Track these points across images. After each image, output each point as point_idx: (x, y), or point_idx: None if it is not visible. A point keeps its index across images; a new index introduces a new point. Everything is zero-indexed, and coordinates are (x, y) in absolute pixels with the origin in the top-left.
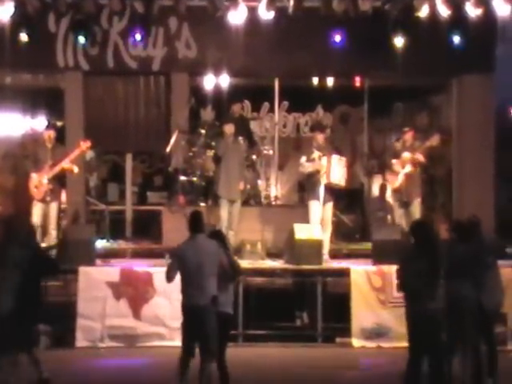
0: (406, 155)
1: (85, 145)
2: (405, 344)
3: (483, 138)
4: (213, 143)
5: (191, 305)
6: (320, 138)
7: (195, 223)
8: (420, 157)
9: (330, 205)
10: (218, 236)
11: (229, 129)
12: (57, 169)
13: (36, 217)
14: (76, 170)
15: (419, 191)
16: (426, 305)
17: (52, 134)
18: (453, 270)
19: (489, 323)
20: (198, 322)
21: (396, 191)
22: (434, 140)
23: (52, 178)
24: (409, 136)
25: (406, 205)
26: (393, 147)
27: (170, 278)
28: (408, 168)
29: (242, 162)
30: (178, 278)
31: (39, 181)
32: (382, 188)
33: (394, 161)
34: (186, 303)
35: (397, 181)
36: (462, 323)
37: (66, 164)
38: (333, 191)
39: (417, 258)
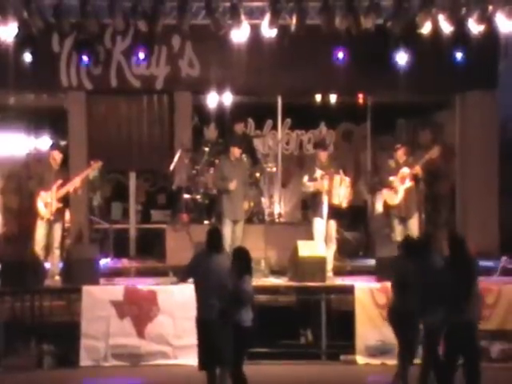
0: (405, 170)
1: (95, 165)
2: None
3: (487, 155)
4: (216, 161)
5: (200, 318)
6: (323, 155)
7: (211, 241)
8: (418, 169)
9: (333, 222)
10: (241, 256)
11: (235, 151)
12: (67, 188)
13: (40, 236)
14: (80, 190)
15: (418, 206)
16: (459, 317)
17: (59, 154)
18: (400, 284)
19: (432, 339)
20: (207, 335)
21: (396, 208)
22: (434, 152)
23: (62, 197)
24: (401, 152)
25: (404, 220)
26: (387, 165)
27: (182, 279)
28: (408, 183)
29: (245, 182)
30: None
31: (49, 200)
32: (386, 205)
33: (392, 178)
34: (197, 316)
35: (397, 197)
36: (407, 337)
37: (77, 183)
38: (336, 209)
39: (451, 269)
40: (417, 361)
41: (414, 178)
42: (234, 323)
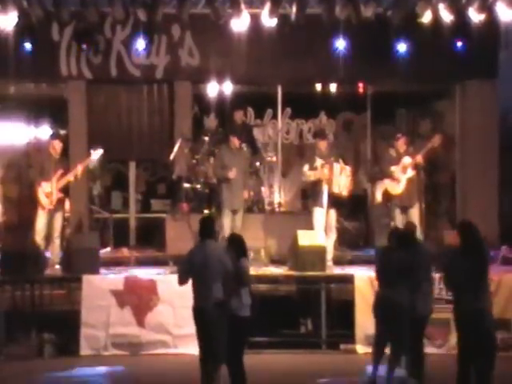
0: (407, 160)
1: (96, 153)
2: None
3: (486, 144)
4: (216, 150)
5: (197, 307)
6: (322, 145)
7: (204, 228)
8: (420, 159)
9: (333, 211)
10: (236, 241)
11: (234, 141)
12: (68, 178)
13: (40, 226)
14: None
15: (419, 196)
16: (472, 304)
17: (59, 144)
18: (388, 275)
19: (420, 329)
20: (203, 323)
21: (398, 197)
22: (436, 141)
23: (63, 187)
24: (402, 142)
25: (405, 210)
26: (388, 155)
27: (181, 281)
28: (410, 172)
29: (245, 171)
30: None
31: (51, 191)
32: (385, 194)
33: (393, 167)
34: (194, 305)
35: (399, 187)
36: (396, 328)
37: (79, 172)
38: (336, 198)
39: (464, 257)
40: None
41: (416, 167)
42: (231, 313)
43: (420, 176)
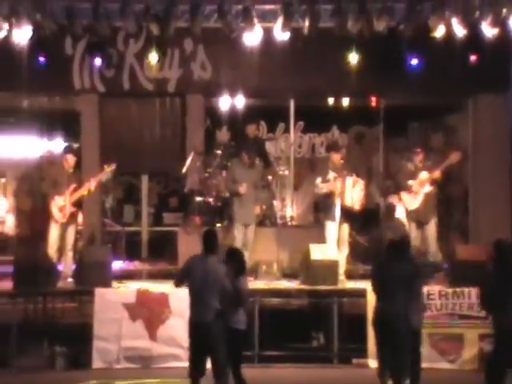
0: (425, 175)
1: (109, 168)
2: (421, 364)
3: (499, 157)
4: (228, 164)
5: (197, 320)
6: (336, 158)
7: (208, 243)
8: (438, 174)
9: (345, 225)
10: (235, 256)
11: (244, 157)
12: (81, 191)
13: (53, 238)
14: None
15: (435, 211)
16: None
17: (73, 158)
18: (385, 286)
19: (416, 340)
20: (205, 338)
21: (414, 212)
22: (454, 157)
23: (76, 201)
24: (420, 157)
25: (421, 225)
26: (406, 168)
27: (177, 284)
28: (427, 188)
29: (257, 186)
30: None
31: (64, 204)
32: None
33: (411, 181)
34: (193, 319)
35: (416, 201)
36: (393, 339)
37: (93, 185)
38: (348, 212)
39: (499, 274)
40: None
41: (434, 182)
42: (230, 326)
43: (436, 191)
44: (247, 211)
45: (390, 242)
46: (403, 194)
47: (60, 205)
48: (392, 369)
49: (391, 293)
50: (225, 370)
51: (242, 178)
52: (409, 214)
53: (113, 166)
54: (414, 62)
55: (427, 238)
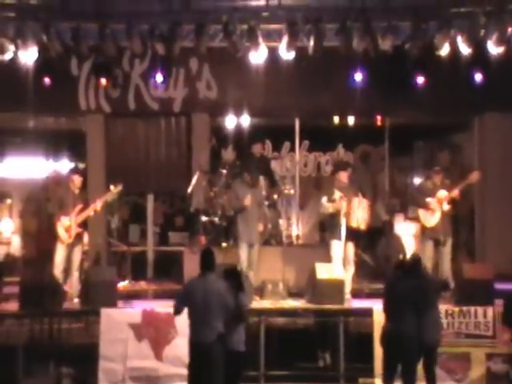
0: (443, 193)
1: (116, 189)
2: None
3: (505, 176)
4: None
5: (198, 341)
6: (343, 176)
7: (206, 261)
8: (456, 193)
9: (351, 244)
10: (233, 274)
11: (247, 177)
12: (87, 212)
13: (59, 259)
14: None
15: (453, 232)
16: None
17: (79, 178)
18: (395, 305)
19: (429, 359)
20: (205, 359)
21: (432, 230)
22: (474, 177)
23: (82, 222)
24: (440, 176)
25: (438, 243)
26: (424, 186)
27: (177, 311)
28: (445, 206)
29: (260, 204)
30: None
31: (70, 225)
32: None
33: (429, 199)
34: (193, 340)
35: (433, 219)
36: (403, 358)
37: (99, 206)
38: (354, 232)
39: None
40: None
41: (452, 201)
42: (230, 349)
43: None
44: (252, 230)
45: (397, 261)
46: (421, 211)
47: (66, 225)
48: None
49: (400, 312)
50: None
51: (245, 195)
52: (426, 231)
53: (119, 187)
54: (420, 80)
55: (442, 258)
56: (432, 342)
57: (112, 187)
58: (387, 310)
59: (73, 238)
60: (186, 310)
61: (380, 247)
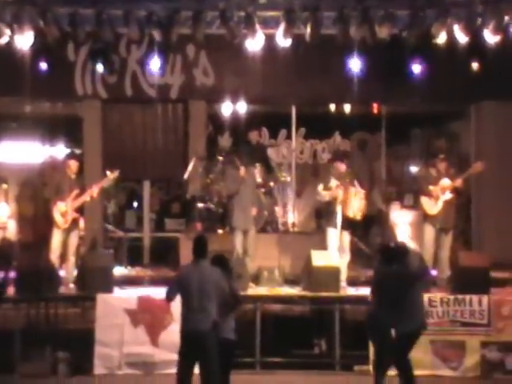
0: (446, 182)
1: (112, 175)
2: (423, 372)
3: (502, 165)
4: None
5: (193, 329)
6: (341, 166)
7: (200, 248)
8: (460, 183)
9: (346, 233)
10: (221, 262)
11: (238, 161)
12: (83, 198)
13: (56, 244)
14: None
15: (455, 222)
16: None
17: (76, 163)
18: (377, 291)
19: (403, 347)
20: (200, 347)
21: (434, 217)
22: (477, 167)
23: (79, 207)
24: (444, 164)
25: (442, 232)
26: (428, 174)
27: (170, 298)
28: (448, 195)
29: (253, 190)
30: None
31: (66, 210)
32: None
33: (432, 187)
34: (187, 327)
35: (436, 206)
36: (379, 344)
37: (95, 192)
38: (349, 221)
39: None
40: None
41: (455, 191)
42: (221, 336)
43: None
44: (246, 216)
45: (380, 247)
46: (423, 199)
47: (62, 210)
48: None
49: (380, 298)
50: (217, 381)
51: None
52: (428, 219)
53: (116, 173)
54: (417, 69)
55: (442, 246)
56: (407, 331)
57: (109, 173)
58: (373, 296)
59: (69, 223)
60: (178, 298)
61: (372, 235)
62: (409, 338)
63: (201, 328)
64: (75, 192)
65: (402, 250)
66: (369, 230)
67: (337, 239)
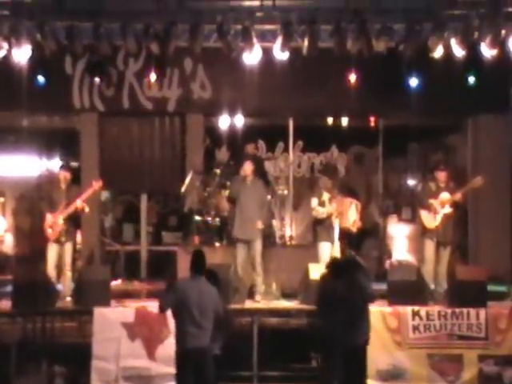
0: (446, 196)
1: (97, 184)
2: None
3: (499, 178)
4: (228, 183)
5: (192, 346)
6: (328, 183)
7: (198, 264)
8: (459, 197)
9: (339, 244)
10: (209, 276)
11: (246, 167)
12: (70, 209)
13: (51, 257)
14: (87, 210)
15: (453, 236)
16: None
17: (67, 175)
18: (325, 305)
19: (357, 359)
20: (199, 363)
21: (433, 231)
22: (477, 182)
23: (67, 218)
24: (443, 175)
25: (440, 245)
26: (428, 187)
27: (163, 308)
28: (447, 209)
29: (261, 202)
30: None
31: (54, 221)
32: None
33: (432, 200)
34: (186, 344)
35: (435, 220)
36: (332, 358)
37: (79, 203)
38: (345, 233)
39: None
40: None
41: (454, 205)
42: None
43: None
44: (248, 227)
45: (331, 260)
46: (422, 213)
47: (50, 222)
48: None
49: (328, 311)
50: None
51: (243, 193)
52: (427, 233)
53: (100, 183)
54: (414, 82)
55: (440, 260)
56: (354, 343)
57: (94, 183)
58: (318, 308)
59: (58, 235)
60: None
61: (365, 248)
62: (358, 350)
63: (201, 344)
64: (64, 203)
65: (351, 264)
66: (362, 242)
67: (329, 252)
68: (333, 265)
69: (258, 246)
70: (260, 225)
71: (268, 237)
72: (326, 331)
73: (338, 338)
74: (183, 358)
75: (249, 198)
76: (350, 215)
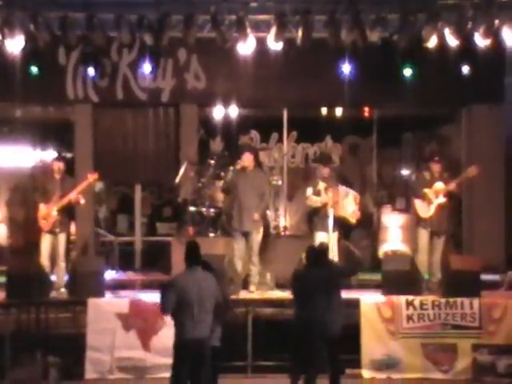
0: (440, 185)
1: (92, 177)
2: (415, 375)
3: (493, 168)
4: (222, 174)
5: (192, 337)
6: (324, 171)
7: (192, 255)
8: (454, 187)
9: (335, 234)
10: (207, 268)
11: (247, 158)
12: (64, 200)
13: (45, 248)
14: (83, 201)
15: (448, 225)
16: None
17: (61, 165)
18: (304, 294)
19: (334, 347)
20: (198, 354)
21: (427, 220)
22: (472, 171)
23: (60, 209)
24: (438, 167)
25: (434, 235)
26: (422, 177)
27: (167, 310)
28: (441, 199)
29: (261, 192)
30: None
31: (47, 212)
32: (417, 216)
33: (427, 190)
34: (186, 336)
35: (429, 210)
36: (312, 347)
37: (73, 196)
38: (341, 222)
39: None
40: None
41: (448, 194)
42: (211, 345)
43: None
44: (245, 218)
45: (308, 250)
46: (417, 202)
47: (43, 213)
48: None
49: (307, 300)
50: None
51: (241, 184)
52: (421, 222)
53: (95, 176)
54: (408, 72)
55: (434, 250)
56: (333, 331)
57: (89, 175)
58: (296, 298)
59: (52, 226)
60: None
61: (354, 237)
62: (334, 339)
63: (201, 336)
64: (58, 194)
65: (325, 252)
66: (353, 231)
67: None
68: (310, 254)
69: (256, 236)
70: (257, 217)
71: (263, 227)
72: (303, 320)
73: (316, 326)
74: (182, 348)
75: (248, 189)
76: (346, 205)
